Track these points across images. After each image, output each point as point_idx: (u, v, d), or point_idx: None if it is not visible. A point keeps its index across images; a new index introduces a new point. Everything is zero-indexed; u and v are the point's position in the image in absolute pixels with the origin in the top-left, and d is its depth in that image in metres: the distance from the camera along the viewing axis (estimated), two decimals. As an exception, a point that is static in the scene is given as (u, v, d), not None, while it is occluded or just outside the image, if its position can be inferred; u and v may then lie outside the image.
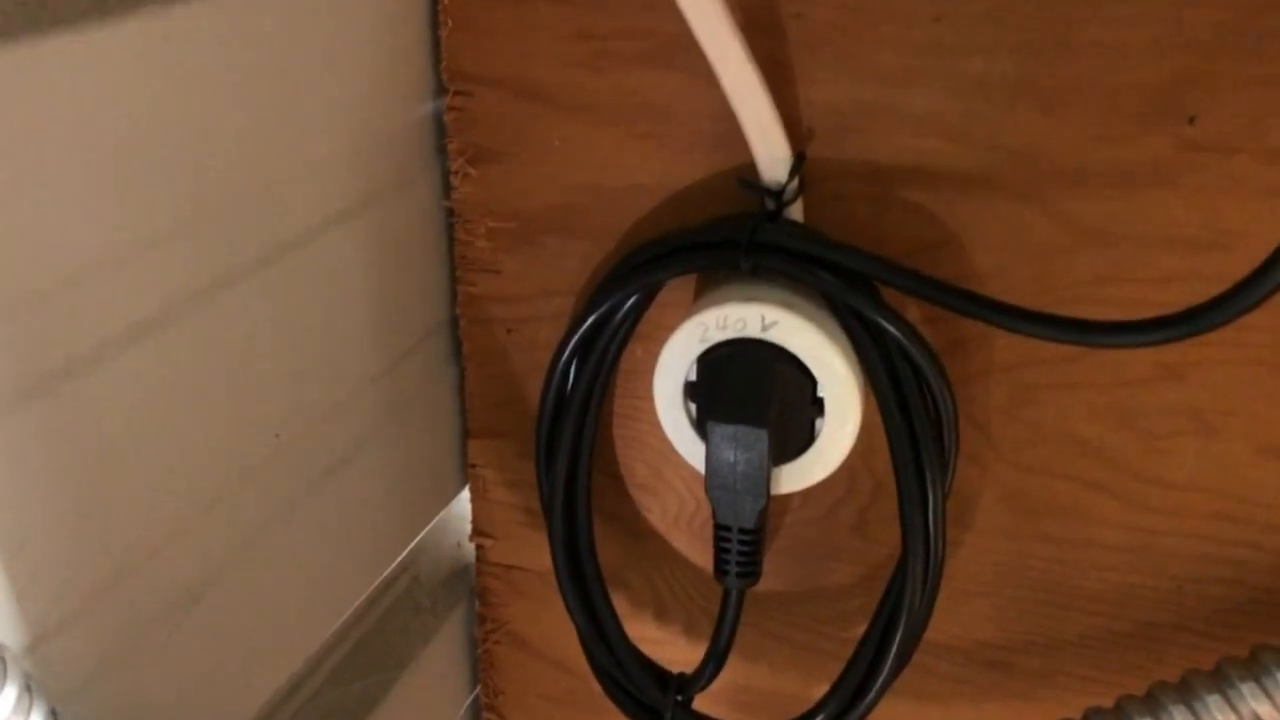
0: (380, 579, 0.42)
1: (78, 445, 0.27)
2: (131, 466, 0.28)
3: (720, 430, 0.34)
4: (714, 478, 0.35)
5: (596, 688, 0.41)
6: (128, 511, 0.28)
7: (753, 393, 0.34)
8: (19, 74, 0.24)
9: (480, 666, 0.48)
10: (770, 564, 0.41)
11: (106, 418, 0.27)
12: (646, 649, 0.41)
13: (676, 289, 0.38)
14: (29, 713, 0.23)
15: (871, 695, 0.35)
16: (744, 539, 0.36)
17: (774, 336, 0.34)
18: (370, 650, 0.43)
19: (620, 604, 0.43)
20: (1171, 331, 0.29)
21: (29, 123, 0.24)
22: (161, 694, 0.30)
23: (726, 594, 0.37)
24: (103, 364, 0.27)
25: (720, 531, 0.36)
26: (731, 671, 0.43)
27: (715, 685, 0.42)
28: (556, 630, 0.46)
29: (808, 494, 0.40)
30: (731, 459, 0.34)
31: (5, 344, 0.24)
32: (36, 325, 0.25)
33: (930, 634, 0.40)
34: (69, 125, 0.25)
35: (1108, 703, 0.34)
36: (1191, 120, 0.32)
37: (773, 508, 0.40)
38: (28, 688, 0.23)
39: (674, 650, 0.44)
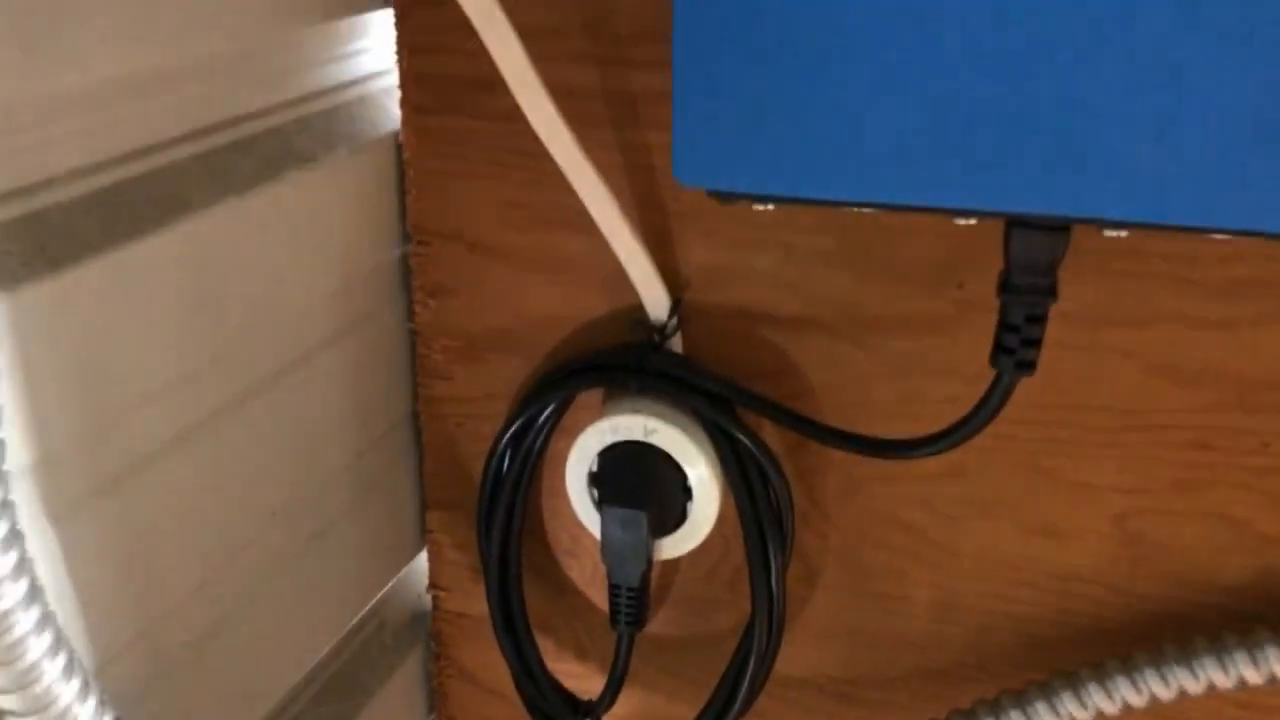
0: (353, 623, 0.52)
1: (129, 527, 0.37)
2: (165, 541, 0.39)
3: (611, 512, 0.45)
4: (607, 548, 0.45)
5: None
6: (160, 574, 0.39)
7: (636, 483, 0.45)
8: (64, 297, 0.34)
9: (435, 697, 0.58)
10: (666, 614, 0.52)
11: (150, 506, 0.38)
12: (570, 683, 0.51)
13: (591, 395, 0.49)
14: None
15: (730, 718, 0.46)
16: (630, 595, 0.46)
17: (654, 440, 0.44)
18: (344, 681, 0.53)
19: (548, 646, 0.54)
20: (929, 448, 0.40)
21: (92, 320, 0.34)
22: (185, 713, 0.41)
23: (619, 638, 0.47)
24: (151, 468, 0.37)
25: (613, 589, 0.47)
26: (637, 701, 0.54)
27: (624, 712, 0.52)
28: (497, 667, 0.56)
29: (693, 559, 0.50)
30: (620, 534, 0.45)
31: (87, 457, 0.35)
32: (107, 443, 0.35)
33: (790, 671, 0.51)
34: (120, 312, 0.35)
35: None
36: (960, 285, 0.43)
37: (665, 569, 0.51)
38: (102, 702, 0.33)
39: (591, 683, 0.54)
